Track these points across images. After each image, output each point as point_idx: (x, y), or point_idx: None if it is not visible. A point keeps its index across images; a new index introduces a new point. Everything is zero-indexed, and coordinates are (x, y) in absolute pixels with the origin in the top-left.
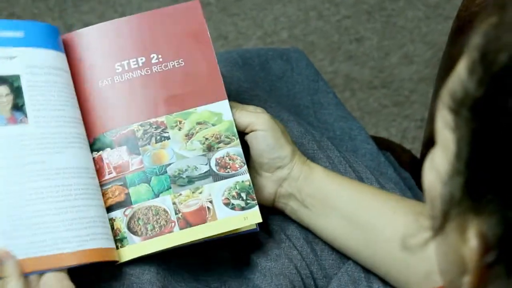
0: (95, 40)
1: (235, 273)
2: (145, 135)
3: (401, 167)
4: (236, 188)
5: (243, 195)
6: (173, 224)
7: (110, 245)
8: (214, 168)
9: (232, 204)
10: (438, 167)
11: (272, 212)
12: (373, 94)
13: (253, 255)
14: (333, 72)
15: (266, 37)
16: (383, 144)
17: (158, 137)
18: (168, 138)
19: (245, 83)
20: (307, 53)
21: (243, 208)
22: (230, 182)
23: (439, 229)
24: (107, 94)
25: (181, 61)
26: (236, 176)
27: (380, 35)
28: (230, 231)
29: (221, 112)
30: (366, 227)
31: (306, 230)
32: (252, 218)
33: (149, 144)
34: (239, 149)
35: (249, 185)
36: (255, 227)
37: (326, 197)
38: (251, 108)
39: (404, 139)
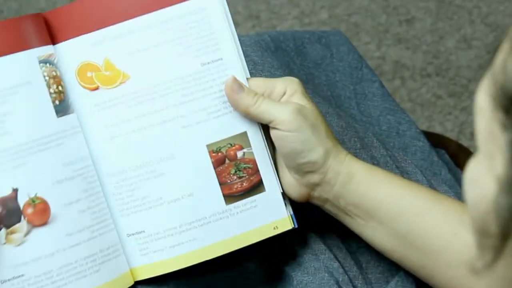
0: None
1: None
2: None
3: (457, 167)
4: None
5: None
6: None
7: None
8: None
9: None
10: (495, 173)
11: (308, 211)
12: (426, 83)
13: (286, 267)
14: (380, 58)
15: (303, 17)
16: (436, 141)
17: None
18: None
19: (278, 70)
20: (350, 36)
21: None
22: None
23: (496, 250)
24: None
25: None
26: None
27: (433, 16)
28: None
29: None
30: (423, 249)
31: (348, 234)
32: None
33: None
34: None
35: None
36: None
37: (372, 209)
38: (276, 91)
39: (461, 135)
